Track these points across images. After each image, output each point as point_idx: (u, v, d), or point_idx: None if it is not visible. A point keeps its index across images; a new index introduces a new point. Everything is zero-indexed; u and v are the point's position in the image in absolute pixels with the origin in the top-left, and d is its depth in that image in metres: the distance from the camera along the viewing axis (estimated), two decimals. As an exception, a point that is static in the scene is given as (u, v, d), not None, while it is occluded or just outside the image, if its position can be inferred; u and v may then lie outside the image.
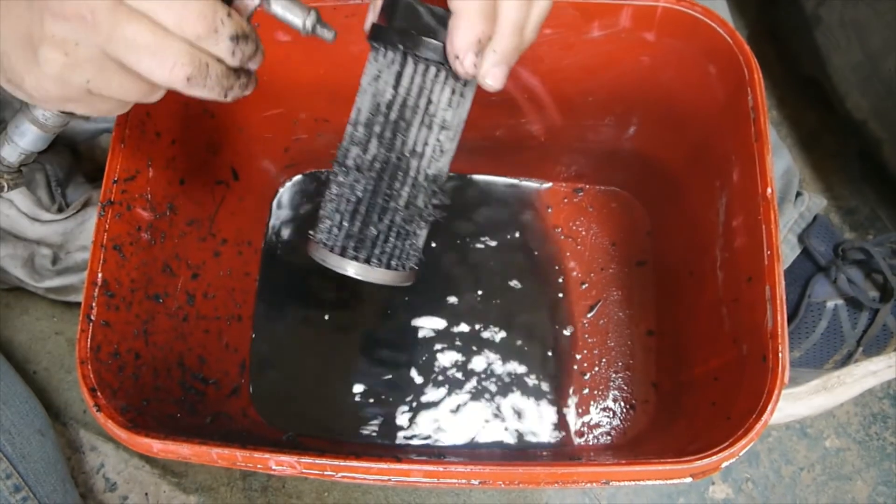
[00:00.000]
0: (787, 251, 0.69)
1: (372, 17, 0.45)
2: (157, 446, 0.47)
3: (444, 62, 0.42)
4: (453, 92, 0.44)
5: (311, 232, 0.48)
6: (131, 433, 0.48)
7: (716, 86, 0.56)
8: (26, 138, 0.52)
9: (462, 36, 0.40)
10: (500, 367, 0.74)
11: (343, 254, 0.47)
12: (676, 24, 0.55)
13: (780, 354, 0.46)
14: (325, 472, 0.46)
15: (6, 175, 0.61)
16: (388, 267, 0.47)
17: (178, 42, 0.36)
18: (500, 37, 0.41)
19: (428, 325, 0.76)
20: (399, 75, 0.43)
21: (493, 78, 0.42)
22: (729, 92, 0.55)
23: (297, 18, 0.42)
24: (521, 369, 0.74)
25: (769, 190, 0.49)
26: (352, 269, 0.47)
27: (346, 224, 0.46)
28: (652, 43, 0.57)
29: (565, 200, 0.79)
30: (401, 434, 0.72)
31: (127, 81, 0.38)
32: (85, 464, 0.78)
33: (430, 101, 0.44)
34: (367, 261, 0.47)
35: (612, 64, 0.60)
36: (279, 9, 0.42)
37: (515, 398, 0.73)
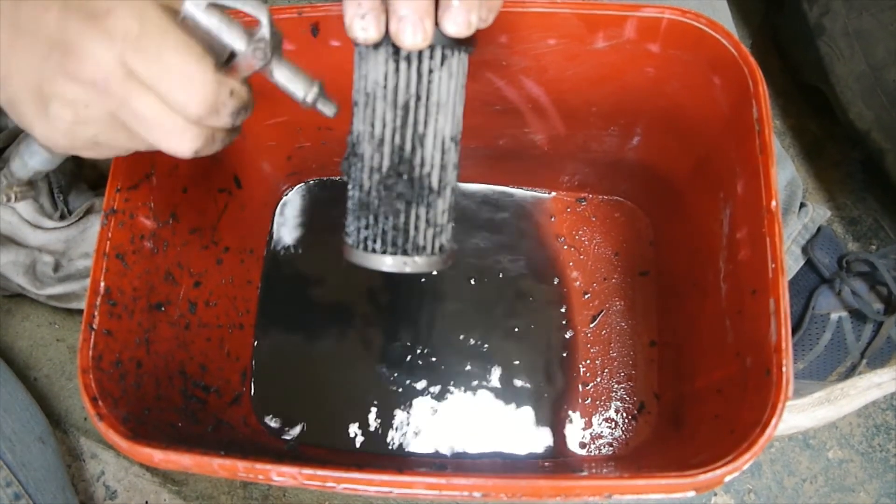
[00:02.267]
0: (790, 263, 0.69)
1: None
2: (158, 456, 0.47)
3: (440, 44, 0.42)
4: (449, 68, 0.44)
5: (345, 237, 0.49)
6: (132, 443, 0.48)
7: (720, 97, 0.56)
8: (36, 158, 0.52)
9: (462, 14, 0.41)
10: (501, 378, 0.74)
11: (375, 251, 0.46)
12: (681, 36, 0.54)
13: (783, 368, 0.46)
14: (327, 484, 0.46)
15: (16, 187, 0.61)
16: (421, 253, 0.47)
17: (183, 121, 0.38)
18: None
19: (430, 334, 0.75)
20: (396, 68, 0.43)
21: (454, 22, 0.41)
22: (733, 104, 0.55)
23: (300, 91, 0.43)
24: (523, 380, 0.73)
25: (773, 202, 0.49)
26: (385, 264, 0.46)
27: (373, 222, 0.46)
28: (657, 54, 0.57)
29: (568, 210, 0.79)
30: (402, 445, 0.72)
31: (133, 140, 0.39)
32: (85, 472, 0.77)
33: (431, 87, 0.43)
34: (403, 253, 0.46)
35: (617, 75, 0.60)
36: (282, 79, 0.43)
37: (518, 409, 0.73)
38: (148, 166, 0.58)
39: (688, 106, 0.60)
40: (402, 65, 0.43)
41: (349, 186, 0.47)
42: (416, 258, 0.47)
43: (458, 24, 0.40)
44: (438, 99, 0.44)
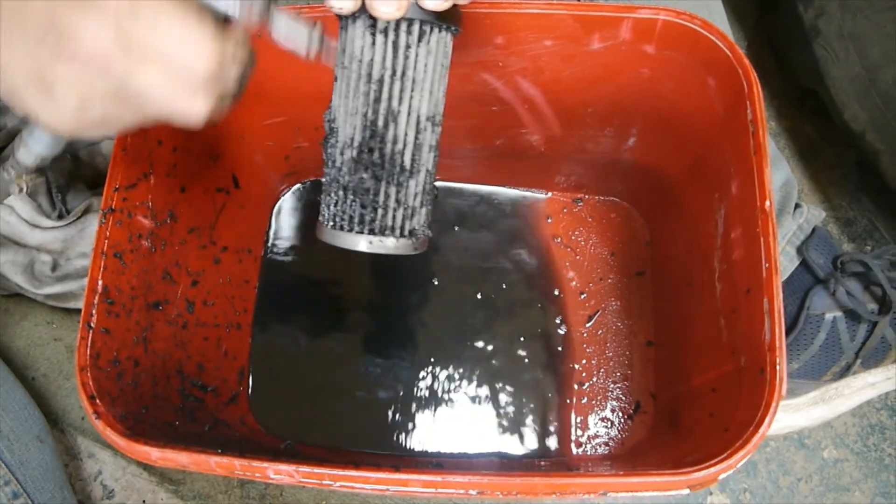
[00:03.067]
0: (785, 263, 0.69)
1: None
2: (156, 454, 0.47)
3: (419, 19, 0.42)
4: (427, 45, 0.44)
5: (320, 217, 0.48)
6: (130, 441, 0.48)
7: (715, 98, 0.57)
8: (41, 144, 0.52)
9: None
10: (498, 377, 0.74)
11: (343, 228, 0.46)
12: (676, 37, 0.55)
13: (777, 367, 0.46)
14: (324, 482, 0.46)
15: (24, 176, 0.62)
16: (389, 234, 0.46)
17: (191, 87, 0.37)
18: None
19: (427, 334, 0.76)
20: (373, 41, 0.43)
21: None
22: (728, 105, 0.55)
23: (301, 48, 0.43)
24: (519, 379, 0.74)
25: (768, 203, 0.49)
26: (361, 244, 0.46)
27: (349, 202, 0.46)
28: (652, 55, 0.57)
29: (565, 210, 0.80)
30: (399, 443, 0.72)
31: (141, 113, 0.39)
32: (83, 471, 0.78)
33: (406, 56, 0.43)
34: (370, 232, 0.46)
35: (612, 76, 0.61)
36: (281, 32, 0.42)
37: (513, 408, 0.73)
38: (146, 166, 0.58)
39: (683, 107, 0.61)
40: (379, 38, 0.42)
41: (325, 165, 0.47)
42: (384, 239, 0.46)
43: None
44: (415, 76, 0.44)
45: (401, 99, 0.44)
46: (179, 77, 0.37)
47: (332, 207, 0.47)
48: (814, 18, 0.81)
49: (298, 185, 0.82)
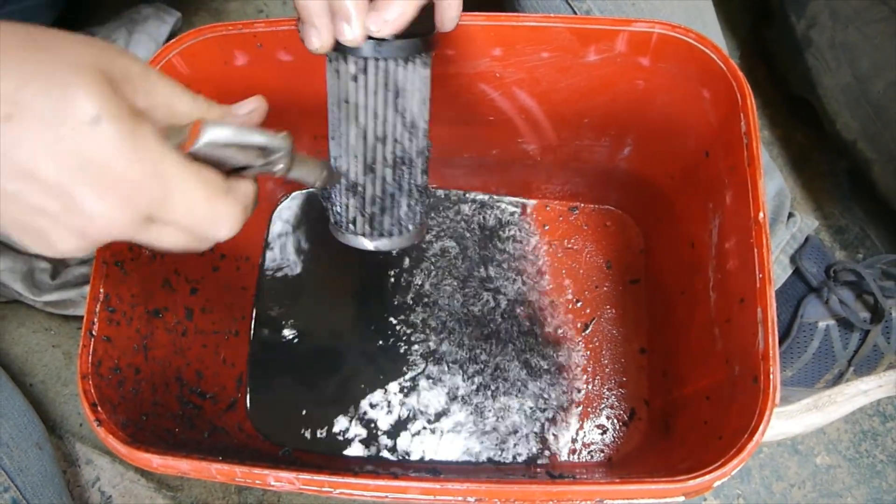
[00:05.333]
0: (779, 272, 0.70)
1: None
2: (157, 461, 0.48)
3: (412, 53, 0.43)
4: (414, 71, 0.45)
5: (332, 220, 0.51)
6: (131, 448, 0.48)
7: (709, 110, 0.57)
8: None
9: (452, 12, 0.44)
10: (494, 385, 0.74)
11: (357, 232, 0.50)
12: (671, 50, 0.56)
13: (771, 376, 0.47)
14: (324, 489, 0.46)
15: None
16: (401, 233, 0.50)
17: (211, 242, 0.38)
18: None
19: (424, 342, 0.76)
20: (365, 75, 0.44)
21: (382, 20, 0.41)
22: (722, 116, 0.56)
23: (312, 181, 0.44)
24: (516, 387, 0.74)
25: (761, 214, 0.50)
26: (376, 245, 0.50)
27: (358, 208, 0.49)
28: (647, 67, 0.58)
29: (560, 219, 0.80)
30: (397, 451, 0.73)
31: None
32: (80, 477, 0.78)
33: (397, 87, 0.44)
34: (382, 234, 0.50)
35: (608, 87, 0.61)
36: (297, 177, 0.42)
37: (510, 416, 0.74)
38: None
39: (677, 118, 0.61)
40: (352, 80, 0.44)
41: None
42: (396, 237, 0.50)
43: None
44: (393, 111, 0.45)
45: (384, 134, 0.46)
46: (202, 241, 0.37)
47: (336, 212, 0.50)
48: (806, 29, 0.82)
49: (296, 193, 0.82)
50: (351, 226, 0.50)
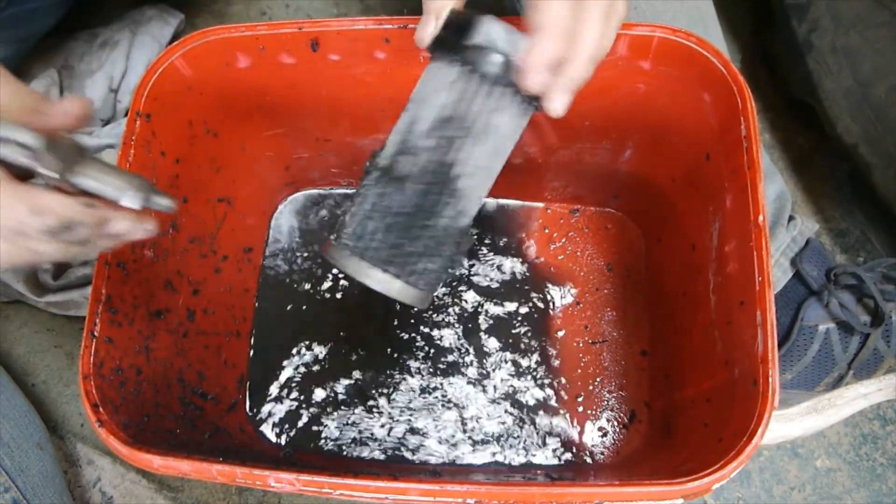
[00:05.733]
0: (779, 275, 0.70)
1: (433, 29, 0.44)
2: (158, 462, 0.48)
3: (511, 81, 0.41)
4: (513, 113, 0.44)
5: (333, 235, 0.47)
6: (132, 449, 0.48)
7: (710, 114, 0.58)
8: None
9: (540, 52, 0.39)
10: (494, 387, 0.75)
11: (369, 261, 0.45)
12: (672, 54, 0.56)
13: (770, 379, 0.47)
14: (324, 490, 0.46)
15: None
16: (409, 284, 0.46)
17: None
18: (576, 65, 0.40)
19: (424, 344, 0.76)
20: (463, 90, 0.43)
21: (560, 103, 0.41)
22: (722, 120, 0.56)
23: (111, 193, 0.40)
24: (516, 389, 0.74)
25: (761, 217, 0.50)
26: (373, 279, 0.45)
27: (378, 234, 0.45)
28: (648, 71, 0.58)
29: (562, 221, 0.80)
30: (397, 452, 0.73)
31: None
32: (81, 477, 0.78)
33: (489, 120, 0.43)
34: (393, 275, 0.45)
35: (609, 90, 0.61)
36: (89, 184, 0.39)
37: (510, 418, 0.74)
38: (150, 176, 0.59)
39: (678, 121, 0.62)
40: (473, 95, 0.43)
41: (366, 193, 0.46)
42: (403, 285, 0.45)
43: (563, 106, 0.42)
44: (482, 129, 0.44)
45: (476, 161, 0.44)
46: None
47: (362, 237, 0.45)
48: (807, 33, 0.82)
49: (298, 195, 0.82)
50: (364, 247, 0.45)
